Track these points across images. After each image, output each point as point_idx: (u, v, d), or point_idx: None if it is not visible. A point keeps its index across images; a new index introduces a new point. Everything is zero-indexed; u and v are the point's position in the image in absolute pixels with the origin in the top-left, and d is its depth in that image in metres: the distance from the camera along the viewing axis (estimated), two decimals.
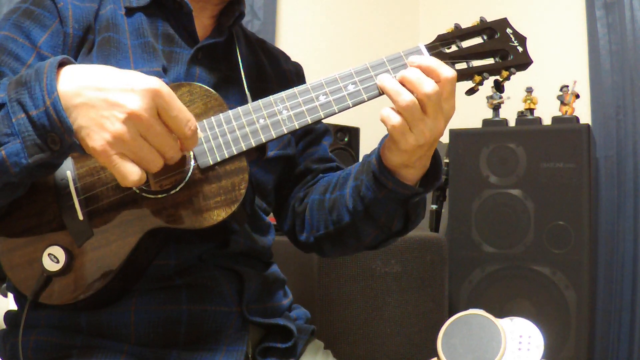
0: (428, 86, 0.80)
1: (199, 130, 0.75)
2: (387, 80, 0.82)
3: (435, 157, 0.91)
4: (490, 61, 0.88)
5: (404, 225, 0.96)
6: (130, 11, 0.96)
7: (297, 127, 0.83)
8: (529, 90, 2.46)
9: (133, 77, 0.69)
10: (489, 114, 2.50)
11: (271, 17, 2.74)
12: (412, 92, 0.80)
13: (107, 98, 0.67)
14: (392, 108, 0.82)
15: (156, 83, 0.69)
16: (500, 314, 0.83)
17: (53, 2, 0.90)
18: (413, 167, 0.87)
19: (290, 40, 2.85)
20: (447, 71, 0.81)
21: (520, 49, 0.88)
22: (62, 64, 0.71)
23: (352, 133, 2.52)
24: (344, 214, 0.96)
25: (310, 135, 1.11)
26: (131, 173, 0.69)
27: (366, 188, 0.91)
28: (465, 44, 0.87)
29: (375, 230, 0.96)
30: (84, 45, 0.91)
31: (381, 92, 0.84)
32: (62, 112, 0.67)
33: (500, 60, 0.88)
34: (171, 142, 0.71)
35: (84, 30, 0.91)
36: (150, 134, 0.69)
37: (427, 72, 0.81)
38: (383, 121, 0.83)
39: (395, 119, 0.81)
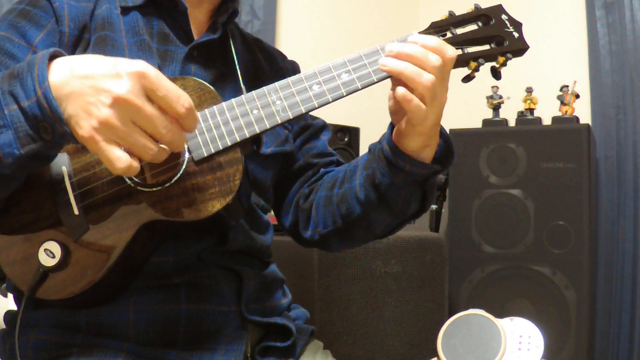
0: (435, 60, 0.79)
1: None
2: (399, 64, 0.80)
3: (444, 135, 0.91)
4: (485, 48, 0.87)
5: (420, 207, 0.95)
6: (125, 10, 0.96)
7: (291, 117, 0.83)
8: (529, 90, 2.46)
9: (119, 62, 0.68)
10: (489, 114, 2.50)
11: (271, 17, 2.74)
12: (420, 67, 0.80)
13: (94, 85, 0.67)
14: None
15: (141, 66, 0.68)
16: (500, 314, 0.83)
17: (49, 2, 0.91)
18: (429, 146, 0.87)
19: (290, 40, 2.85)
20: (450, 50, 0.81)
21: (516, 34, 0.87)
22: (53, 56, 0.71)
23: (352, 133, 2.53)
24: (355, 205, 0.95)
25: (308, 130, 1.11)
26: (118, 159, 0.68)
27: (381, 175, 0.90)
28: (460, 31, 0.87)
29: (388, 217, 0.95)
30: (79, 44, 0.91)
31: (377, 80, 0.83)
32: (53, 102, 0.67)
33: (496, 46, 0.87)
34: (165, 123, 0.69)
35: (80, 29, 0.92)
36: (140, 117, 0.68)
37: (431, 50, 0.80)
38: (411, 110, 0.80)
39: (422, 105, 0.80)
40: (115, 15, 0.95)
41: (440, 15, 0.89)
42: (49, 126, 0.68)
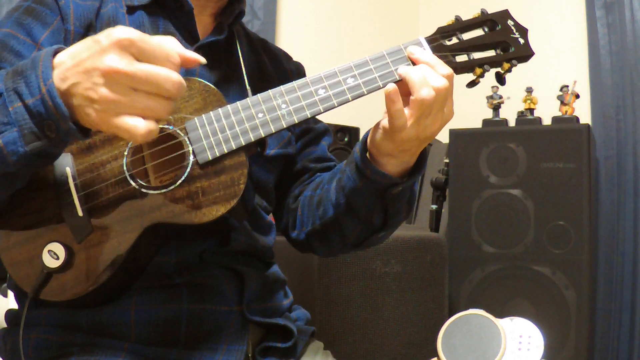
0: (438, 81, 0.80)
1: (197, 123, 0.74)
2: (410, 70, 0.81)
3: (422, 154, 0.90)
4: (491, 53, 0.87)
5: (384, 220, 0.95)
6: (131, 9, 0.96)
7: (297, 122, 0.83)
8: (529, 90, 2.45)
9: (100, 36, 0.66)
10: (489, 114, 2.50)
11: (271, 17, 2.74)
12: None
13: (84, 69, 0.66)
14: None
15: (121, 32, 0.66)
16: (500, 314, 0.83)
17: (55, 0, 0.91)
18: (395, 157, 0.87)
19: (290, 40, 2.85)
20: (443, 69, 0.81)
21: (521, 40, 0.87)
22: (57, 52, 0.71)
23: (352, 133, 2.53)
24: (329, 208, 0.96)
25: (310, 134, 1.11)
26: (135, 127, 0.66)
27: (347, 178, 0.91)
28: (466, 36, 0.87)
29: (358, 226, 0.95)
30: None
31: (383, 86, 0.82)
32: (57, 99, 0.67)
33: (502, 53, 0.87)
34: (164, 75, 0.66)
35: (85, 27, 0.92)
36: (137, 82, 0.66)
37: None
38: (392, 114, 0.80)
39: (403, 115, 0.80)
40: (121, 14, 0.95)
41: (440, 15, 0.89)
42: (54, 123, 0.68)
